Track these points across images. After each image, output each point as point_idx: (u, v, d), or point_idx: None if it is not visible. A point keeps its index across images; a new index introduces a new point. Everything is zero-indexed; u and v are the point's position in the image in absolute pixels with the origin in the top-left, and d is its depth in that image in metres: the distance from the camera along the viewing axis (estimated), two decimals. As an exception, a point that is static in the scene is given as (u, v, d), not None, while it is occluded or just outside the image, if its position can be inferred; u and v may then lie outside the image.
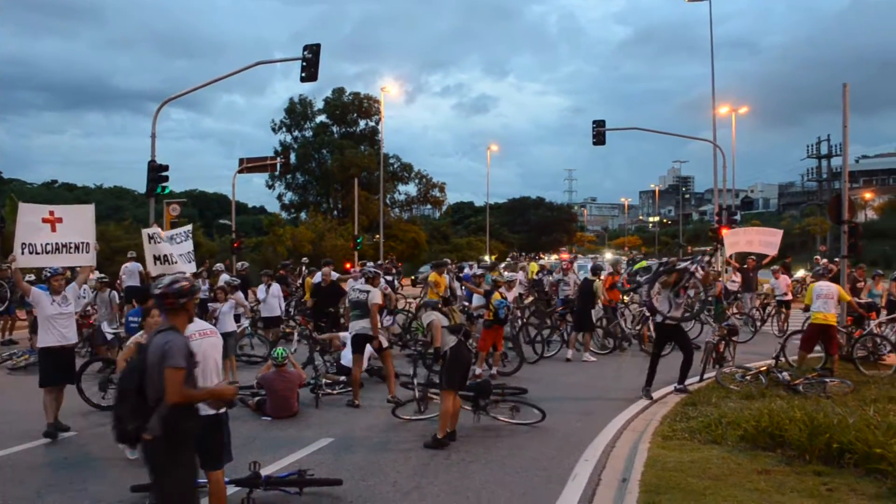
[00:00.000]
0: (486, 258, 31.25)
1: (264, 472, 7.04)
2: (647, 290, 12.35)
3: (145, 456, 4.76)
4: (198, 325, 6.09)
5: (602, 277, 17.27)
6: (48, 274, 9.78)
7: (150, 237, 12.50)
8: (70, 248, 10.35)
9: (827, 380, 11.31)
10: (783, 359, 13.32)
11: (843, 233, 15.76)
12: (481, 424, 9.62)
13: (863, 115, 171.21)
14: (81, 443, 9.10)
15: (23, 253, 9.92)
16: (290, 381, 10.52)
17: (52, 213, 10.30)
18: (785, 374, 11.77)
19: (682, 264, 12.31)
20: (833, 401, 9.89)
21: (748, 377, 12.03)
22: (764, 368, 12.21)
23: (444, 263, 19.21)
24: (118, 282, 20.45)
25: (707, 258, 12.88)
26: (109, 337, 13.91)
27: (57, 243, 10.24)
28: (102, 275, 15.98)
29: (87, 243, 10.55)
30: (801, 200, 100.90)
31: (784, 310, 19.94)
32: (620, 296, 18.31)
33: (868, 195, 79.94)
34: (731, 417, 9.17)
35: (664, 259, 13.39)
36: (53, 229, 10.18)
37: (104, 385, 10.78)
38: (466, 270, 22.95)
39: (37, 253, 10.06)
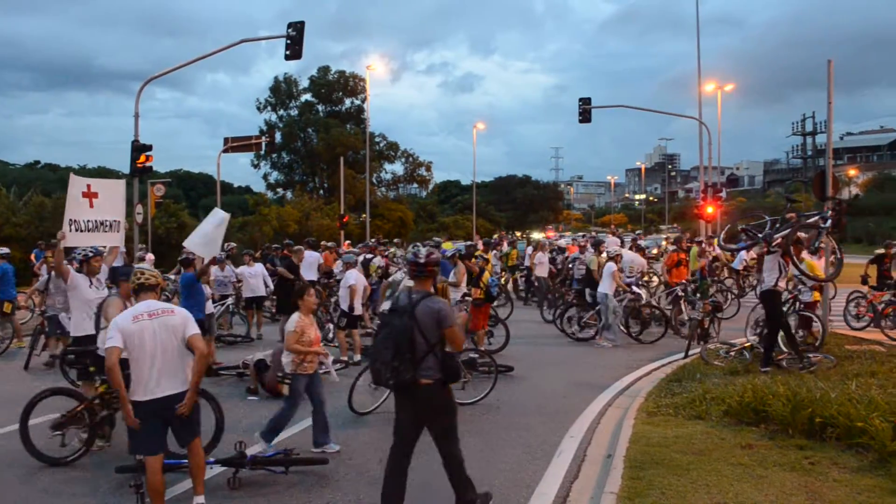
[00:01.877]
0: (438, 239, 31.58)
1: (250, 451, 7.05)
2: (786, 242, 11.48)
3: (423, 397, 5.65)
4: (151, 305, 5.94)
5: (604, 253, 16.91)
6: (90, 254, 8.99)
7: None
8: (105, 225, 9.64)
9: (810, 355, 11.38)
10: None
11: (826, 208, 15.82)
12: (469, 402, 9.63)
13: (847, 92, 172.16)
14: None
15: (70, 230, 9.19)
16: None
17: (89, 186, 9.55)
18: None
19: (814, 218, 11.79)
20: (816, 376, 10.00)
21: (732, 353, 12.11)
22: (748, 344, 12.29)
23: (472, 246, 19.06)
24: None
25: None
26: (68, 325, 13.11)
27: (95, 220, 9.54)
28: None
29: (119, 221, 9.91)
30: (786, 177, 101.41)
31: None
32: (687, 274, 17.57)
33: (852, 172, 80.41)
34: (715, 393, 9.25)
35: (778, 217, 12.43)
36: (91, 205, 9.45)
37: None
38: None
39: (80, 231, 9.36)
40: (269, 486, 6.74)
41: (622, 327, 15.34)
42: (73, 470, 7.26)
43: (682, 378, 10.87)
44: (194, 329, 5.96)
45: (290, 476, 6.91)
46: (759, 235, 11.91)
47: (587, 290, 15.69)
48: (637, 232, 43.67)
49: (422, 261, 5.94)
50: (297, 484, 6.81)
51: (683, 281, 16.46)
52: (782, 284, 11.61)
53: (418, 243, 27.33)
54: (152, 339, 5.72)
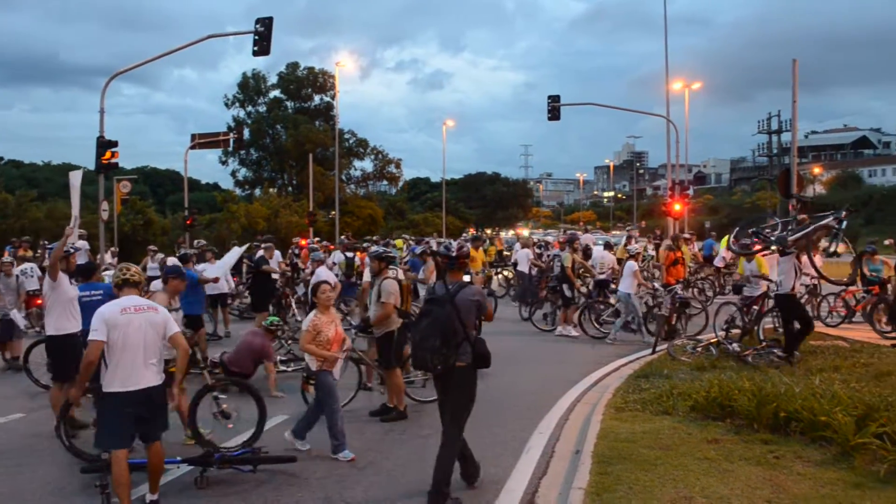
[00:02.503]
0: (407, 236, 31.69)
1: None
2: (806, 244, 11.58)
3: (457, 377, 6.11)
4: (135, 300, 6.07)
5: (617, 250, 16.74)
6: (71, 250, 8.96)
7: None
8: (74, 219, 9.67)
9: (775, 350, 11.53)
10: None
11: (791, 206, 16.02)
12: (434, 399, 9.62)
13: (812, 91, 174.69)
14: (29, 426, 8.90)
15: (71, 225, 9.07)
16: (259, 347, 10.35)
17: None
18: (735, 345, 11.98)
19: (829, 219, 11.67)
20: (781, 371, 10.13)
21: (699, 349, 12.24)
22: (714, 340, 12.43)
23: (480, 238, 19.03)
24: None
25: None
26: (23, 325, 12.64)
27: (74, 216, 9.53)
28: (8, 257, 14.32)
29: (76, 216, 9.86)
30: (752, 175, 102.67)
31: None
32: (684, 274, 17.12)
33: (817, 170, 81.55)
34: (681, 388, 9.34)
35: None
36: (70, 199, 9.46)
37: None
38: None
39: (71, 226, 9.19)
40: (238, 485, 6.69)
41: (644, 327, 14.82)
42: (36, 470, 7.15)
43: (650, 374, 10.96)
44: (175, 328, 6.15)
45: (258, 475, 6.85)
46: (772, 238, 11.95)
47: (564, 286, 15.65)
48: (629, 228, 43.60)
49: (454, 254, 6.61)
50: (266, 482, 6.76)
51: (681, 280, 16.24)
52: (798, 287, 11.66)
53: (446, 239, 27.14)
54: (136, 332, 5.85)
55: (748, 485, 6.29)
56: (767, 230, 12.33)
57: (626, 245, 16.95)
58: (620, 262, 17.74)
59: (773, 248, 11.93)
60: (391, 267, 9.95)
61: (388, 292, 9.17)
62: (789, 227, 11.96)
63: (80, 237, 20.91)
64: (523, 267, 21.19)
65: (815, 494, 6.07)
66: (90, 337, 5.82)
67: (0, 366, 12.23)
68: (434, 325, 6.01)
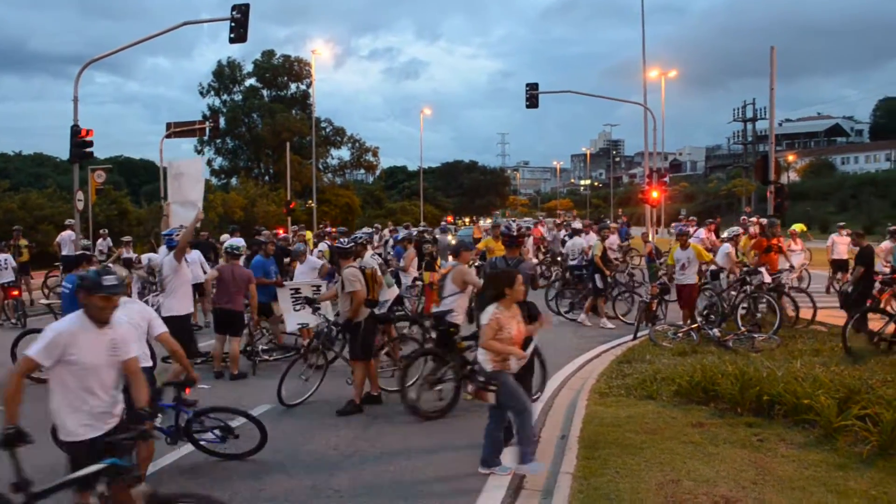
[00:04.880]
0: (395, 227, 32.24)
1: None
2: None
3: None
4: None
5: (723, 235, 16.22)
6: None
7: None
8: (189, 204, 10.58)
9: (755, 335, 11.63)
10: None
11: (769, 192, 16.17)
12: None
13: (786, 80, 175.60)
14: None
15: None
16: (240, 277, 10.64)
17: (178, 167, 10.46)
18: (715, 330, 12.06)
19: None
20: (762, 355, 10.22)
21: (680, 334, 12.32)
22: (695, 326, 12.51)
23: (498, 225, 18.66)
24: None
25: None
26: None
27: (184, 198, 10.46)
28: None
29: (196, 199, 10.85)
30: (727, 163, 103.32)
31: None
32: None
33: (791, 157, 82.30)
34: (665, 373, 9.41)
35: None
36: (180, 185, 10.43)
37: None
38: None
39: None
40: (223, 473, 6.66)
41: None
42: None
43: (632, 359, 11.01)
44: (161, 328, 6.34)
45: (245, 464, 6.83)
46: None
47: (596, 276, 15.11)
48: (620, 219, 43.15)
49: (514, 233, 8.24)
50: (253, 472, 6.73)
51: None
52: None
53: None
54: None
55: (734, 467, 6.35)
56: None
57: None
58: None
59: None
60: (371, 255, 9.92)
61: (350, 280, 8.95)
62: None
63: (68, 227, 20.92)
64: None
65: (799, 476, 6.14)
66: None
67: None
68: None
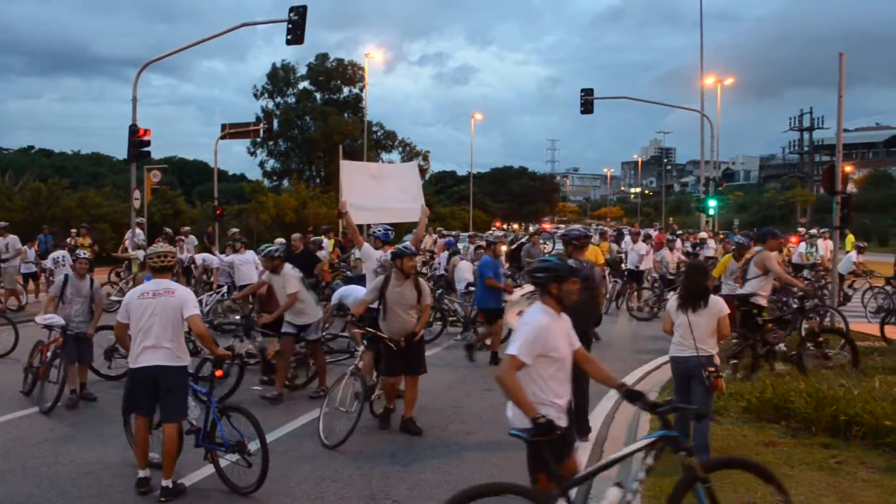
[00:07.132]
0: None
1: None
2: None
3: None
4: (154, 285, 6.42)
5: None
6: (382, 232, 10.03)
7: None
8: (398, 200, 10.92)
9: (827, 351, 11.15)
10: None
11: (835, 203, 15.64)
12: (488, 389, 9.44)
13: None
14: (69, 413, 8.81)
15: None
16: None
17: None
18: (782, 345, 11.61)
19: None
20: (833, 371, 9.81)
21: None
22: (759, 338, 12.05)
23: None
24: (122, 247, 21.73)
25: None
26: None
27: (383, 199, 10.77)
28: None
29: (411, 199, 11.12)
30: (782, 173, 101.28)
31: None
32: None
33: (849, 168, 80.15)
34: (733, 389, 9.03)
35: None
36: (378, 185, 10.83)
37: (109, 354, 10.43)
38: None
39: (365, 209, 10.68)
40: (280, 482, 6.53)
41: None
42: (72, 458, 7.04)
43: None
44: (192, 310, 6.37)
45: (300, 472, 6.70)
46: None
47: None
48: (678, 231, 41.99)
49: (576, 234, 8.24)
50: (308, 479, 6.61)
51: None
52: None
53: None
54: (149, 316, 6.22)
55: (812, 491, 6.05)
56: None
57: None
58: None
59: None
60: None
61: (291, 284, 9.63)
62: None
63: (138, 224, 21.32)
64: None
65: (883, 503, 5.80)
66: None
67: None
68: (590, 298, 7.23)
